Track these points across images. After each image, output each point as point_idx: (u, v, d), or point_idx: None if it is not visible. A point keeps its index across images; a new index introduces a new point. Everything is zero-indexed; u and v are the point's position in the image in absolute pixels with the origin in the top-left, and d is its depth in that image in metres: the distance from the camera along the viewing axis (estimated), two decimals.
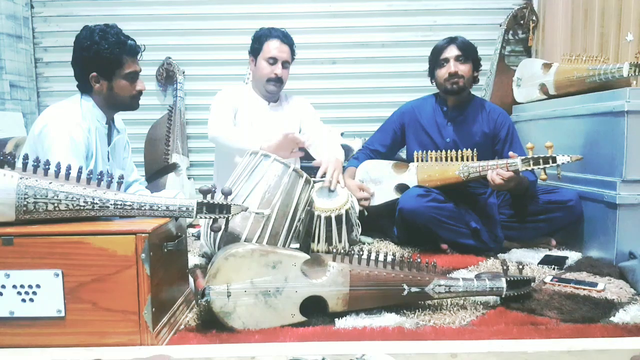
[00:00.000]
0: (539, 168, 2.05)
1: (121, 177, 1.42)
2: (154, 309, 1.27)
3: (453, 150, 2.26)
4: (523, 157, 2.08)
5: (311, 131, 2.60)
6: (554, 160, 2.02)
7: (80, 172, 1.33)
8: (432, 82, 2.52)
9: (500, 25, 3.37)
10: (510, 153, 2.14)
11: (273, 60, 2.46)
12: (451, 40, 2.41)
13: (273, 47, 2.46)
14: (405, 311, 1.52)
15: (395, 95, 3.42)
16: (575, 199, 2.23)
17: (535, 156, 2.05)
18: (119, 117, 2.06)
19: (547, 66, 2.72)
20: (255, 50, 2.50)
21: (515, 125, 2.70)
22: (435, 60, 2.44)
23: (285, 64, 2.50)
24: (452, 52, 2.38)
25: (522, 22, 3.39)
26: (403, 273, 1.51)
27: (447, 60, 2.39)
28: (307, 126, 2.61)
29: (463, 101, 2.46)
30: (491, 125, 2.42)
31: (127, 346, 1.26)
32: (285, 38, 2.50)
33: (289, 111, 2.60)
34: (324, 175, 2.16)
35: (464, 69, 2.37)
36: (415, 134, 2.52)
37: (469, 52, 2.39)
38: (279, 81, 2.49)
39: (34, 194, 1.27)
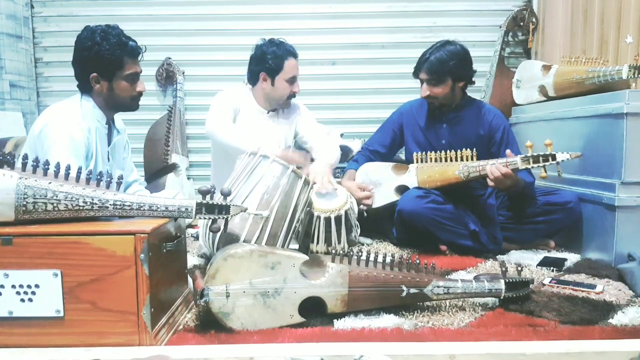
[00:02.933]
0: (538, 166, 2.05)
1: (120, 177, 1.42)
2: (152, 310, 1.27)
3: (450, 151, 2.26)
4: (523, 155, 2.08)
5: (306, 132, 2.62)
6: (554, 157, 2.02)
7: (79, 172, 1.33)
8: None
9: (500, 27, 3.38)
10: (507, 151, 2.13)
11: (293, 80, 2.48)
12: (423, 62, 2.34)
13: (292, 66, 2.47)
14: (403, 312, 1.52)
15: (395, 96, 3.42)
16: (574, 200, 2.23)
17: (535, 154, 2.05)
18: (119, 117, 2.06)
19: (546, 68, 2.72)
20: (272, 70, 2.44)
21: (515, 127, 2.70)
22: (416, 76, 2.42)
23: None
24: (423, 75, 2.36)
25: (521, 23, 3.39)
26: (402, 274, 1.51)
27: (422, 81, 2.38)
28: (302, 128, 2.62)
29: (459, 104, 2.45)
30: (486, 128, 2.41)
31: (126, 346, 1.26)
32: (295, 52, 2.51)
33: (285, 117, 2.62)
34: None
35: (436, 91, 2.34)
36: (413, 134, 2.52)
37: (440, 74, 2.31)
38: (294, 95, 2.53)
39: (34, 194, 1.27)
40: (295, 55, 2.49)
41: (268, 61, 2.45)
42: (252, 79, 2.54)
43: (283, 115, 2.61)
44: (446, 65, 2.31)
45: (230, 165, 2.20)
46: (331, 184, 2.17)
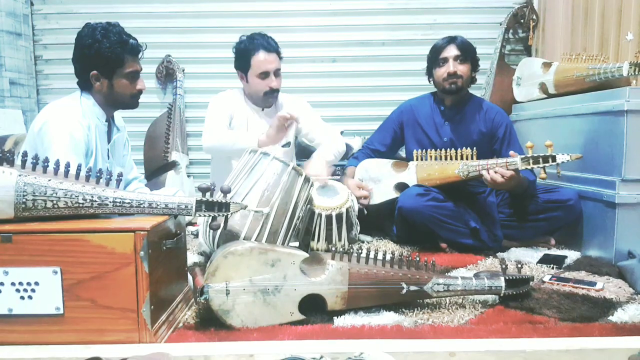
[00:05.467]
0: (538, 167, 2.05)
1: (120, 174, 1.42)
2: (152, 307, 1.27)
3: (452, 149, 2.26)
4: (523, 156, 2.08)
5: (312, 129, 2.60)
6: (554, 159, 2.02)
7: (79, 169, 1.33)
8: (429, 81, 2.52)
9: (501, 24, 3.37)
10: (511, 152, 2.13)
11: (265, 75, 2.38)
12: (451, 40, 2.40)
13: (261, 60, 2.36)
14: (403, 310, 1.52)
15: (396, 93, 3.42)
16: (574, 198, 2.23)
17: (535, 155, 2.05)
18: (119, 114, 2.06)
19: (547, 65, 2.72)
20: (242, 66, 2.41)
21: (515, 124, 2.70)
22: (434, 59, 2.43)
23: (277, 72, 2.43)
24: (451, 51, 2.38)
25: (522, 21, 3.38)
26: (402, 272, 1.51)
27: (446, 60, 2.38)
28: (305, 125, 2.61)
29: (461, 100, 2.45)
30: (488, 125, 2.42)
31: (126, 344, 1.26)
32: (270, 45, 2.39)
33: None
34: None
35: (462, 69, 2.37)
36: (414, 132, 2.52)
37: (468, 52, 2.39)
38: (275, 92, 2.45)
39: (33, 191, 1.27)
40: (266, 48, 2.36)
41: (238, 59, 2.41)
42: (239, 78, 2.53)
43: (281, 110, 2.60)
44: (472, 46, 2.42)
45: (230, 163, 2.19)
46: (326, 176, 2.15)
